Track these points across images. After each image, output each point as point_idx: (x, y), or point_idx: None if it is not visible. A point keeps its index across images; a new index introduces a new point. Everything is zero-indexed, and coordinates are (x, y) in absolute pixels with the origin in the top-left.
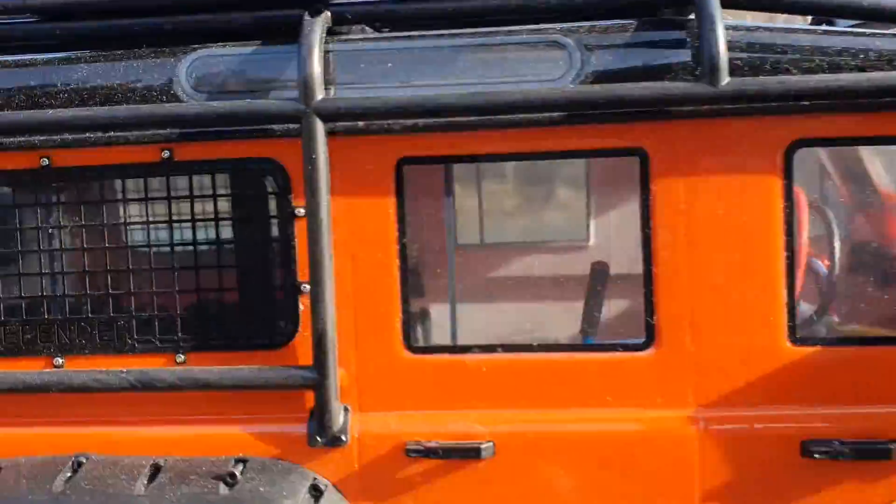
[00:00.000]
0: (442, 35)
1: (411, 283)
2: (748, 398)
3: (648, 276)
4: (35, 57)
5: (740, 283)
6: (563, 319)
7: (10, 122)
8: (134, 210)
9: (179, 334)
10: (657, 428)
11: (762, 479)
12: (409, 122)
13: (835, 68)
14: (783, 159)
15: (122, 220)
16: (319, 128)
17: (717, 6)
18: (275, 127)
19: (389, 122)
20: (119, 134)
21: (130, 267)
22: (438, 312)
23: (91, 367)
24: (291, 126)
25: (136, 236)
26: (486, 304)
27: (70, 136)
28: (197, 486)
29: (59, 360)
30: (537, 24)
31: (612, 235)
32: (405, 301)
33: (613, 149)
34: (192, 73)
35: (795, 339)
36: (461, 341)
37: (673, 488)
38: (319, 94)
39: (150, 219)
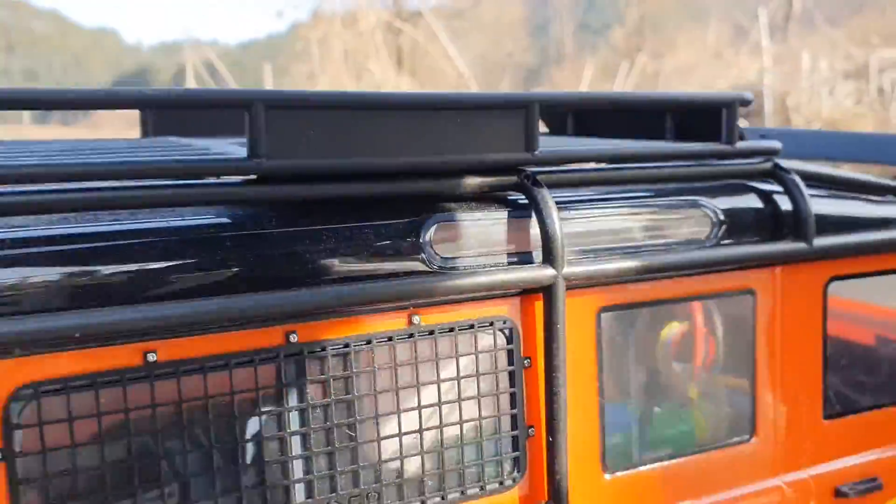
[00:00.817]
0: (623, 197)
1: (608, 411)
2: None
3: (753, 385)
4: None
5: (803, 383)
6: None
7: (250, 307)
8: (372, 381)
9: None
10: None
11: None
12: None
13: None
14: (823, 292)
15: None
16: (563, 291)
17: (799, 180)
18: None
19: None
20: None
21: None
22: (632, 432)
23: None
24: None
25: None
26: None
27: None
28: None
29: None
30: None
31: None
32: (603, 427)
33: (733, 290)
34: (436, 239)
35: (827, 416)
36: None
37: None
38: (565, 265)
39: (396, 386)
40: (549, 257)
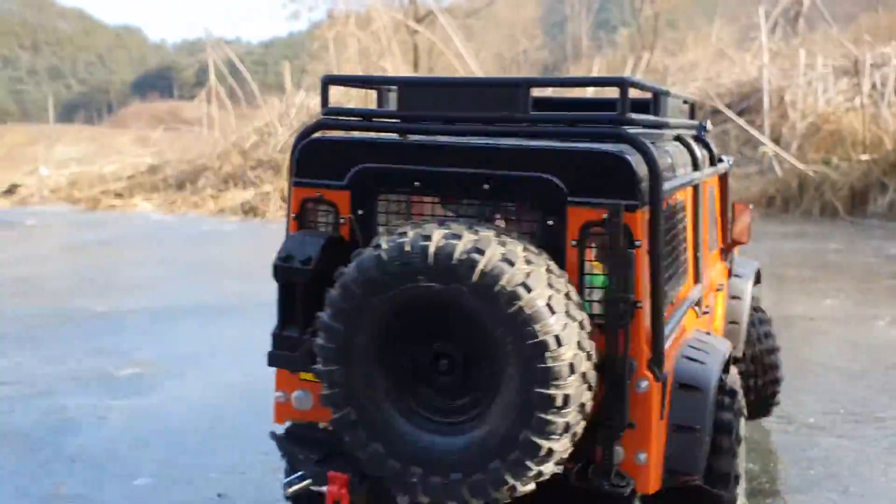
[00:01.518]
0: None
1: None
2: None
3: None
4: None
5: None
6: None
7: None
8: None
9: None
10: None
11: None
12: None
13: None
14: (700, 192)
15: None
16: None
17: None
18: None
19: None
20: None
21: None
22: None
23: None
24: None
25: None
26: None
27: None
28: None
29: None
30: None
31: None
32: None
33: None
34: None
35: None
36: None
37: None
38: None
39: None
40: (697, 166)
